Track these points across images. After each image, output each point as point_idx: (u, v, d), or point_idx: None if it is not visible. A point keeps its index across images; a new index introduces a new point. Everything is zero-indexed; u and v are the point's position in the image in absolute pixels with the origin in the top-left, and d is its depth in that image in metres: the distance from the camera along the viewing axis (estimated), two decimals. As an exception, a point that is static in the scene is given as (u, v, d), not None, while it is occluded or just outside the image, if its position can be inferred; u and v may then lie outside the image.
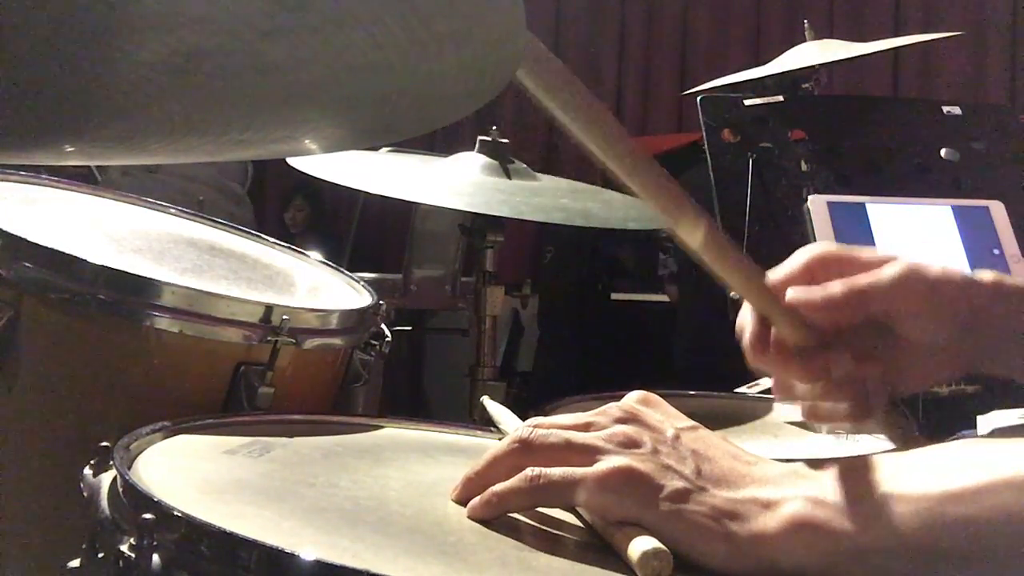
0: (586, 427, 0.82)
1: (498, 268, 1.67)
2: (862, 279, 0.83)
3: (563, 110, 0.70)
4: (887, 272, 0.83)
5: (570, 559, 0.79)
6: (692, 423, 0.83)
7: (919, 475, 0.69)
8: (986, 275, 0.85)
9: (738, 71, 2.47)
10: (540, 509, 0.87)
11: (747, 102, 1.93)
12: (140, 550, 0.70)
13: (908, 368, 0.85)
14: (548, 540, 0.82)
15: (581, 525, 0.87)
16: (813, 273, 0.86)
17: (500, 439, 1.21)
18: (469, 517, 0.82)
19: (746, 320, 0.86)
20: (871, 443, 1.51)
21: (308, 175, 1.49)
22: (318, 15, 0.57)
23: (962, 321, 0.83)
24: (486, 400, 1.19)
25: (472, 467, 0.85)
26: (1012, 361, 0.85)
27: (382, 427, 1.19)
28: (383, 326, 1.43)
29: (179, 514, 0.72)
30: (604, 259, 4.20)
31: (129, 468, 0.85)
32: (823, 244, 0.88)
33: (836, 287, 0.82)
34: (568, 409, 1.64)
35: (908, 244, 1.79)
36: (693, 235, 0.81)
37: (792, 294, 0.83)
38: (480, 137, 1.64)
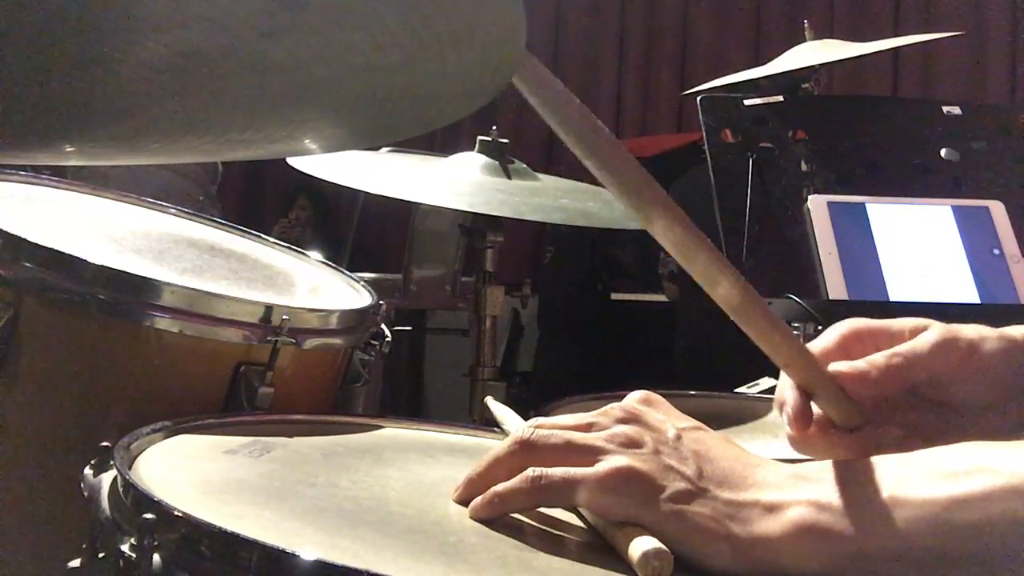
0: (588, 427, 0.82)
1: (498, 268, 1.67)
2: (902, 348, 0.81)
3: (561, 127, 0.69)
4: (925, 338, 0.81)
5: (570, 559, 0.79)
6: (694, 423, 0.82)
7: (924, 480, 0.68)
8: (1018, 331, 0.83)
9: (738, 71, 2.47)
10: (541, 509, 0.87)
11: (747, 102, 1.93)
12: (140, 550, 0.70)
13: (956, 437, 0.80)
14: (548, 540, 0.82)
15: (582, 525, 0.87)
16: (847, 348, 0.84)
17: (502, 439, 1.21)
18: (471, 517, 0.82)
19: (786, 394, 0.82)
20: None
21: (309, 175, 1.49)
22: (318, 15, 0.57)
23: (1005, 381, 0.81)
24: (489, 400, 1.19)
25: (474, 467, 0.84)
26: None
27: (382, 427, 1.19)
28: (383, 326, 1.43)
29: (179, 514, 0.72)
30: (604, 259, 4.20)
31: (129, 468, 0.85)
32: (853, 321, 0.86)
33: (878, 358, 0.80)
34: (568, 409, 1.64)
35: (908, 244, 1.79)
36: (725, 294, 0.79)
37: (835, 367, 0.81)
38: (480, 137, 1.64)
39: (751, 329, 0.79)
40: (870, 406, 0.81)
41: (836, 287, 1.72)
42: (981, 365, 0.80)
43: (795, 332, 1.98)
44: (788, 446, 1.59)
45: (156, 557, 0.70)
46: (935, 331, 0.82)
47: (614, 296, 4.11)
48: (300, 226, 5.21)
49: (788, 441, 0.82)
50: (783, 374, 0.83)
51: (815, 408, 0.82)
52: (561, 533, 0.85)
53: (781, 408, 0.83)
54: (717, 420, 1.68)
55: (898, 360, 0.80)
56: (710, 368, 2.88)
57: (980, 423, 0.81)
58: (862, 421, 0.81)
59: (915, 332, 0.83)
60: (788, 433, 0.82)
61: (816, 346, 0.85)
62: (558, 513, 0.90)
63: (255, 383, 1.21)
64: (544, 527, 0.85)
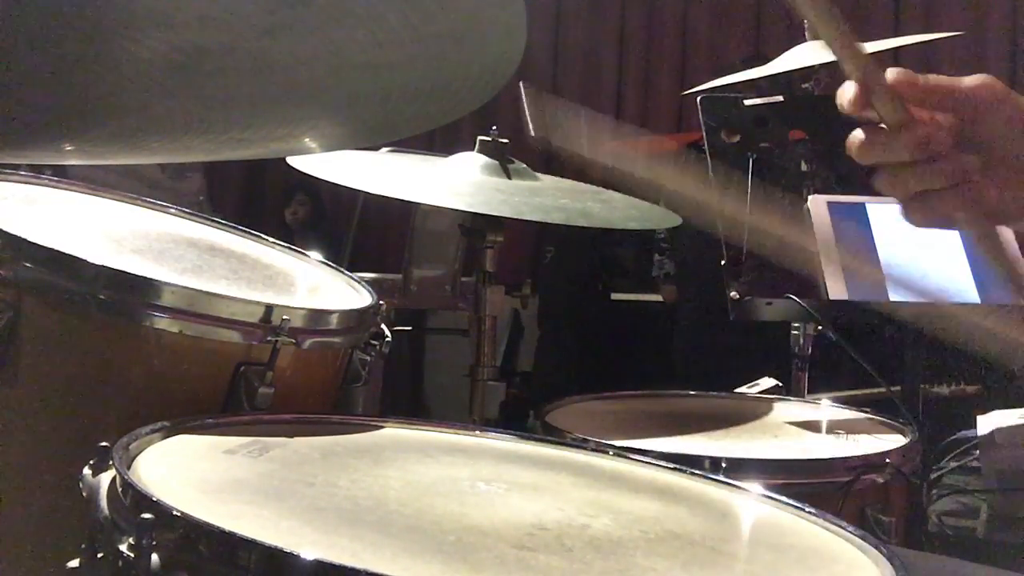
0: None
1: (498, 268, 1.67)
2: (947, 79, 0.93)
3: None
4: (970, 78, 0.94)
5: (569, 559, 0.79)
6: None
7: None
8: None
9: (738, 71, 2.46)
10: (541, 509, 0.87)
11: (747, 102, 1.93)
12: (139, 550, 0.70)
13: (1003, 163, 0.91)
14: (547, 540, 0.82)
15: (582, 525, 0.87)
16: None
17: (501, 439, 1.21)
18: None
19: (848, 93, 0.92)
20: (871, 443, 1.51)
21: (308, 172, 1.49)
22: (319, 13, 0.57)
23: None
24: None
25: None
26: None
27: (382, 427, 1.19)
28: (383, 326, 1.43)
29: (178, 514, 0.72)
30: (604, 259, 4.20)
31: (128, 468, 0.85)
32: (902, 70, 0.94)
33: (929, 76, 0.93)
34: (568, 409, 1.64)
35: (908, 244, 1.78)
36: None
37: (893, 73, 0.91)
38: (480, 137, 1.64)
39: (823, 24, 0.92)
40: (918, 112, 0.90)
41: (836, 287, 1.72)
42: (1014, 111, 0.92)
43: (794, 332, 1.98)
44: (788, 446, 1.60)
45: (155, 557, 0.70)
46: (979, 76, 0.94)
47: (614, 296, 4.11)
48: (299, 222, 5.20)
49: (848, 146, 0.93)
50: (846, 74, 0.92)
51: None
52: (560, 533, 0.85)
53: (844, 105, 0.93)
54: (717, 420, 1.69)
55: (945, 81, 0.92)
56: (710, 368, 2.88)
57: (1010, 169, 0.91)
58: (913, 121, 0.90)
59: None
60: (851, 137, 0.92)
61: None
62: (557, 513, 0.90)
63: (255, 383, 1.21)
64: (543, 527, 0.85)
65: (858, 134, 0.92)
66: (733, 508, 1.06)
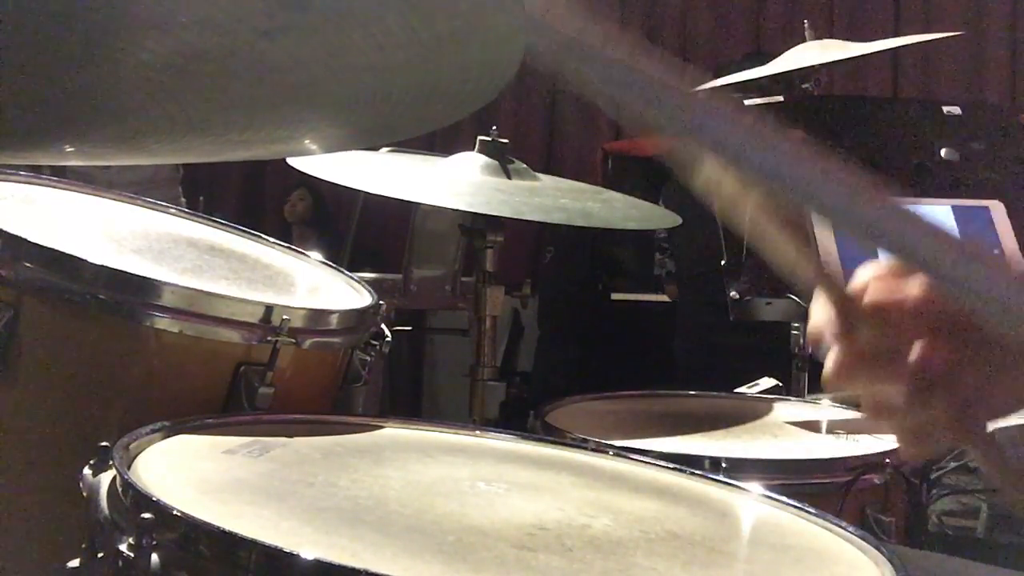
0: None
1: (498, 268, 1.67)
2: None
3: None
4: None
5: (569, 559, 0.79)
6: None
7: None
8: None
9: (738, 69, 2.46)
10: (541, 509, 0.87)
11: (747, 102, 1.93)
12: (139, 549, 0.70)
13: (1008, 375, 0.78)
14: (547, 540, 0.82)
15: (582, 525, 0.87)
16: (879, 285, 0.80)
17: (501, 440, 1.21)
18: None
19: (823, 326, 0.79)
20: (872, 443, 1.51)
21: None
22: (318, 15, 0.57)
23: None
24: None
25: None
26: None
27: (382, 427, 1.19)
28: (383, 326, 1.43)
29: (178, 514, 0.72)
30: (604, 259, 4.19)
31: (128, 468, 0.86)
32: (883, 262, 0.81)
33: (915, 283, 0.77)
34: (568, 409, 1.64)
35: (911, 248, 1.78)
36: (767, 209, 0.77)
37: (875, 293, 0.78)
38: (480, 137, 1.64)
39: (794, 247, 0.77)
40: (909, 335, 0.77)
41: (836, 287, 1.72)
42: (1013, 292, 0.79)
43: (794, 332, 1.98)
44: (788, 446, 1.59)
45: (154, 556, 0.70)
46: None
47: (614, 296, 4.11)
48: (296, 216, 5.18)
49: (827, 379, 0.78)
50: (818, 303, 0.80)
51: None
52: (560, 533, 0.85)
53: (818, 341, 0.79)
54: (717, 420, 1.69)
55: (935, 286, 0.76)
56: (710, 368, 2.88)
57: (1020, 359, 0.78)
58: (902, 347, 0.77)
59: None
60: (829, 367, 0.78)
61: (852, 285, 0.81)
62: (557, 513, 0.90)
63: (255, 383, 1.21)
64: (543, 527, 0.85)
65: (836, 362, 0.77)
66: (733, 508, 1.06)
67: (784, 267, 0.78)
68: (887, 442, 1.51)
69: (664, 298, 3.79)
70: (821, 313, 0.79)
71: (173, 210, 1.63)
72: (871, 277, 0.79)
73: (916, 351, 0.76)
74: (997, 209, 1.77)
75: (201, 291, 1.21)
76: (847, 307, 0.77)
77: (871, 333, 0.77)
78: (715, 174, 0.77)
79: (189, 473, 0.90)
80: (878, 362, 0.76)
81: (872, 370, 0.77)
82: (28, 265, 1.16)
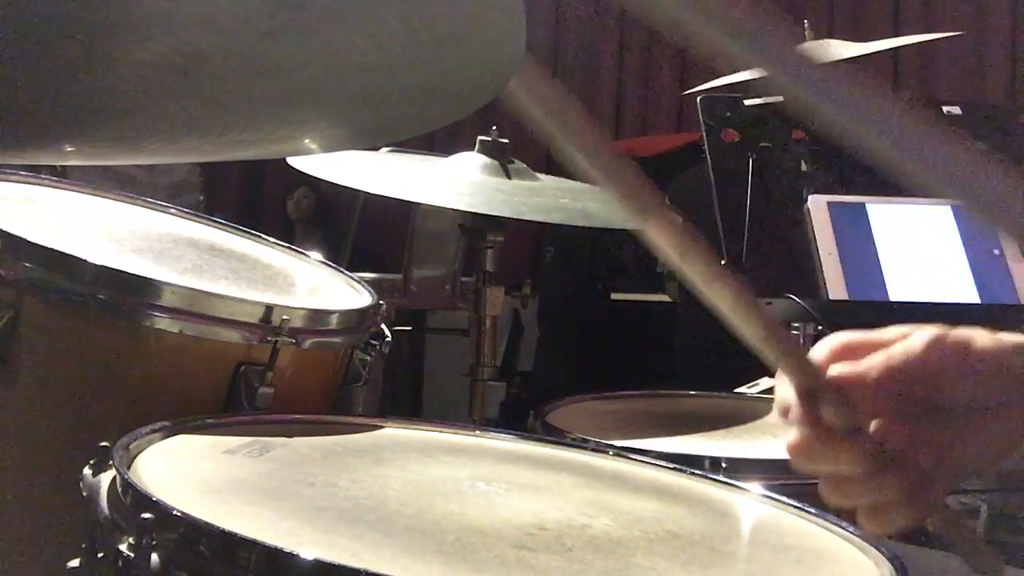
0: None
1: (498, 268, 1.67)
2: (897, 348, 0.79)
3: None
4: (918, 337, 0.80)
5: (569, 559, 0.79)
6: None
7: None
8: (1011, 336, 0.83)
9: (738, 71, 2.46)
10: (541, 509, 0.87)
11: (747, 102, 1.93)
12: (139, 549, 0.70)
13: (965, 445, 0.80)
14: (547, 540, 0.82)
15: (582, 525, 0.87)
16: (840, 359, 0.82)
17: (501, 440, 1.21)
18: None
19: (790, 399, 0.80)
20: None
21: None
22: (318, 15, 0.57)
23: (999, 380, 0.79)
24: None
25: None
26: None
27: (382, 427, 1.19)
28: (383, 326, 1.43)
29: (178, 514, 0.72)
30: (604, 259, 4.19)
31: (128, 468, 0.86)
32: (842, 334, 0.83)
33: (876, 358, 0.79)
34: (568, 409, 1.64)
35: (908, 244, 1.78)
36: (723, 297, 0.78)
37: (837, 370, 0.79)
38: (480, 137, 1.64)
39: (750, 332, 0.79)
40: (870, 412, 0.79)
41: (836, 287, 1.72)
42: (974, 362, 0.79)
43: (795, 332, 1.98)
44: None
45: (154, 556, 0.70)
46: (926, 332, 0.81)
47: (614, 296, 4.10)
48: (301, 213, 5.17)
49: (789, 454, 0.80)
50: (781, 380, 0.81)
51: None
52: (559, 533, 0.85)
53: (786, 414, 0.80)
54: (717, 420, 1.69)
55: (895, 359, 0.79)
56: (710, 368, 2.87)
57: (978, 427, 0.80)
58: (863, 424, 0.79)
59: (904, 337, 0.81)
60: (791, 444, 0.79)
61: (813, 358, 0.83)
62: (556, 513, 0.90)
63: (255, 383, 1.21)
64: (543, 527, 0.85)
65: (796, 440, 0.78)
66: (733, 508, 1.06)
67: (753, 344, 0.79)
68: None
69: (665, 298, 3.79)
70: (785, 391, 0.80)
71: (173, 210, 1.63)
72: (831, 351, 0.81)
73: (875, 430, 0.78)
74: (997, 209, 1.77)
75: (201, 291, 1.21)
76: (809, 384, 0.79)
77: (831, 411, 0.78)
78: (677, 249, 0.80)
79: (189, 473, 0.90)
80: (838, 440, 0.77)
81: (832, 449, 0.78)
82: (28, 265, 1.16)
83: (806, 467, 0.80)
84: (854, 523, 0.99)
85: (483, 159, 1.62)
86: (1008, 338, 0.81)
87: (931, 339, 0.79)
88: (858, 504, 0.81)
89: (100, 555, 0.75)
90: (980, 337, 0.80)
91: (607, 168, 0.71)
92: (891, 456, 0.77)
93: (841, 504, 0.82)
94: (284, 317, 1.22)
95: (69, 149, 0.73)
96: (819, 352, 0.82)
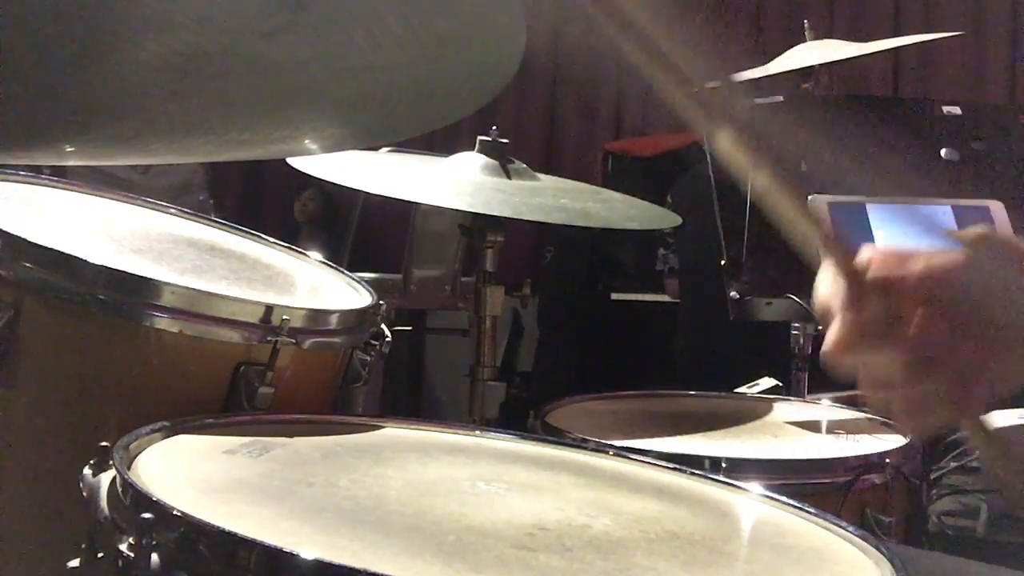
0: None
1: (498, 268, 1.67)
2: (940, 253, 0.79)
3: None
4: (965, 240, 0.80)
5: (569, 559, 0.79)
6: None
7: None
8: None
9: (738, 71, 2.46)
10: (541, 509, 0.87)
11: (747, 102, 1.93)
12: (139, 549, 0.70)
13: (1004, 353, 0.78)
14: (547, 540, 0.82)
15: (582, 525, 0.87)
16: (885, 264, 0.80)
17: (500, 440, 1.21)
18: None
19: (829, 298, 0.79)
20: (872, 443, 1.51)
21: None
22: (318, 16, 0.57)
23: None
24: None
25: None
26: None
27: (382, 427, 1.19)
28: (383, 326, 1.43)
29: (178, 513, 0.72)
30: (604, 259, 4.19)
31: (128, 468, 0.86)
32: (879, 245, 0.82)
33: (920, 256, 0.78)
34: (568, 409, 1.64)
35: (908, 244, 1.78)
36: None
37: (878, 268, 0.78)
38: (480, 137, 1.64)
39: (804, 218, 0.78)
40: (912, 308, 0.77)
41: (836, 287, 1.72)
42: (1017, 263, 0.79)
43: (794, 332, 1.98)
44: (788, 446, 1.59)
45: (154, 556, 0.70)
46: (975, 232, 0.81)
47: (614, 296, 4.11)
48: (308, 216, 5.18)
49: (829, 351, 0.78)
50: (823, 277, 0.80)
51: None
52: (559, 533, 0.85)
53: (826, 314, 0.79)
54: (717, 420, 1.69)
55: (938, 257, 0.78)
56: (710, 368, 2.88)
57: (1017, 337, 0.78)
58: (904, 319, 0.77)
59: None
60: (830, 339, 0.78)
61: (857, 260, 0.82)
62: (556, 513, 0.90)
63: (255, 383, 1.21)
64: (543, 527, 0.85)
65: (838, 331, 0.77)
66: (733, 508, 1.06)
67: (794, 238, 0.78)
68: (887, 442, 1.51)
69: (665, 298, 3.79)
70: (827, 284, 0.79)
71: (173, 210, 1.63)
72: (875, 253, 0.80)
73: (916, 322, 0.76)
74: (997, 209, 1.77)
75: (201, 291, 1.21)
76: (853, 277, 0.78)
77: (874, 304, 0.77)
78: (732, 144, 0.78)
79: (189, 473, 0.90)
80: (879, 333, 0.76)
81: (873, 341, 0.77)
82: (28, 265, 1.16)
83: (846, 361, 0.79)
84: (854, 524, 1.00)
85: (483, 159, 1.62)
86: None
87: (976, 237, 0.79)
88: (896, 403, 0.79)
89: (100, 555, 0.75)
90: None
91: None
92: (930, 350, 0.75)
93: (879, 401, 0.81)
94: (284, 317, 1.22)
95: (69, 149, 0.73)
96: (865, 253, 0.81)
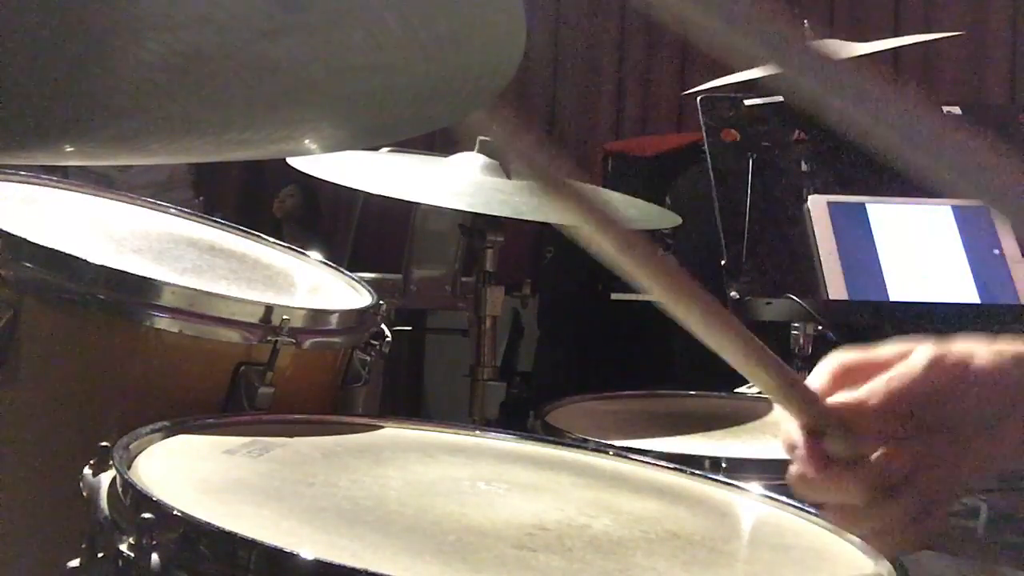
0: None
1: (498, 268, 1.67)
2: (896, 372, 0.79)
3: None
4: (917, 358, 0.79)
5: (569, 559, 0.79)
6: None
7: None
8: (1010, 345, 0.82)
9: (738, 71, 2.46)
10: (541, 509, 0.87)
11: (747, 102, 1.93)
12: (139, 549, 0.70)
13: (969, 462, 0.80)
14: (547, 540, 0.82)
15: (582, 525, 0.87)
16: (840, 384, 0.82)
17: (500, 440, 1.21)
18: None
19: (794, 436, 0.80)
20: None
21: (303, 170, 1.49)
22: (318, 15, 0.57)
23: (999, 396, 0.79)
24: None
25: None
26: None
27: (382, 427, 1.19)
28: (383, 326, 1.43)
29: (178, 513, 0.72)
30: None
31: (128, 468, 0.86)
32: (840, 355, 0.83)
33: (877, 384, 0.78)
34: (568, 409, 1.64)
35: (908, 244, 1.78)
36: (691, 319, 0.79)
37: (836, 399, 0.79)
38: (480, 137, 1.64)
39: (748, 369, 0.79)
40: (873, 438, 0.78)
41: (836, 287, 1.72)
42: (974, 380, 0.79)
43: (794, 332, 1.98)
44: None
45: (155, 556, 0.70)
46: (926, 350, 0.80)
47: (614, 296, 4.10)
48: (285, 211, 5.15)
49: (792, 485, 0.80)
50: (784, 416, 0.81)
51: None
52: (559, 533, 0.85)
53: (792, 450, 0.80)
54: (717, 420, 1.69)
55: (895, 383, 0.78)
56: (710, 368, 2.87)
57: (981, 442, 0.79)
58: (865, 454, 0.78)
59: (903, 356, 0.80)
60: (793, 476, 0.79)
61: (813, 383, 0.83)
62: (556, 513, 0.90)
63: (255, 383, 1.21)
64: (543, 527, 0.85)
65: (798, 471, 0.78)
66: (733, 508, 1.06)
67: (755, 384, 0.80)
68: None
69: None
70: (789, 428, 0.80)
71: (173, 210, 1.63)
72: (831, 375, 0.81)
73: (876, 458, 0.77)
74: (997, 209, 1.77)
75: (201, 291, 1.21)
76: (813, 417, 0.79)
77: (835, 444, 0.78)
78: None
79: (189, 473, 0.90)
80: (841, 472, 0.77)
81: (835, 481, 0.78)
82: (28, 265, 1.16)
83: (809, 498, 0.81)
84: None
85: (483, 159, 1.62)
86: (1008, 348, 0.80)
87: (931, 360, 0.79)
88: (864, 531, 0.82)
89: (100, 555, 0.75)
90: (979, 352, 0.80)
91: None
92: (893, 485, 0.76)
93: (848, 530, 0.83)
94: (284, 317, 1.22)
95: (69, 149, 0.73)
96: (818, 378, 0.82)
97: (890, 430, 0.78)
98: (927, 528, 0.79)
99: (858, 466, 0.77)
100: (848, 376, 0.81)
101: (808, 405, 0.79)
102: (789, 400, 0.80)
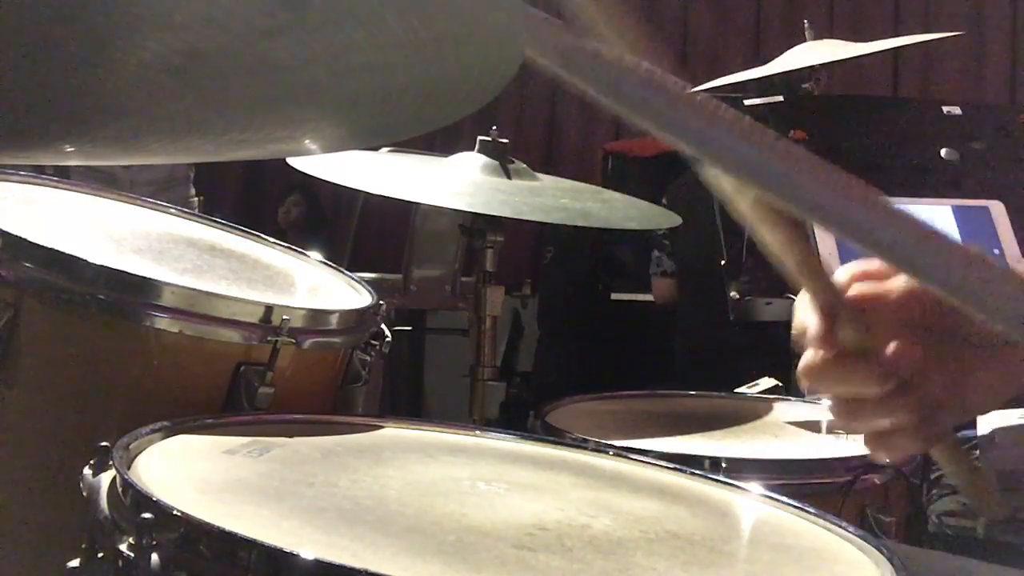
0: None
1: (498, 268, 1.67)
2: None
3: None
4: None
5: (569, 559, 0.79)
6: None
7: None
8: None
9: (738, 71, 2.46)
10: (541, 509, 0.87)
11: (747, 102, 1.93)
12: (139, 549, 0.70)
13: (977, 377, 0.80)
14: (547, 540, 0.82)
15: (582, 525, 0.87)
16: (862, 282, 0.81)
17: (500, 441, 1.21)
18: None
19: (808, 318, 0.79)
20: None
21: (306, 174, 1.49)
22: (318, 15, 0.57)
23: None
24: None
25: None
26: None
27: (382, 427, 1.19)
28: (383, 326, 1.43)
29: (178, 513, 0.72)
30: (604, 259, 4.19)
31: (128, 468, 0.86)
32: (863, 261, 0.82)
33: (897, 279, 0.78)
34: (568, 409, 1.64)
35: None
36: (755, 199, 0.76)
37: (858, 289, 0.78)
38: (480, 137, 1.64)
39: (776, 245, 0.75)
40: (886, 333, 0.77)
41: (836, 287, 1.72)
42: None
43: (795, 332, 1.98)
44: (788, 446, 1.59)
45: (154, 556, 0.70)
46: None
47: (614, 296, 4.11)
48: (291, 222, 5.16)
49: (802, 374, 0.79)
50: (801, 300, 0.80)
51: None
52: (559, 533, 0.85)
53: (803, 336, 0.79)
54: (717, 420, 1.69)
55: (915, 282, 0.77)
56: (710, 368, 2.88)
57: (990, 360, 0.79)
58: (878, 347, 0.77)
59: None
60: (804, 364, 0.78)
61: (835, 280, 0.81)
62: (556, 513, 0.90)
63: (255, 383, 1.21)
64: (543, 527, 0.85)
65: (810, 360, 0.77)
66: (733, 508, 1.06)
67: (775, 260, 0.78)
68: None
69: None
70: (805, 310, 0.79)
71: (173, 210, 1.63)
72: (854, 273, 0.80)
73: (891, 348, 0.76)
74: (997, 209, 1.77)
75: (201, 291, 1.21)
76: (830, 302, 0.78)
77: (850, 332, 0.77)
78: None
79: (189, 473, 0.90)
80: (853, 362, 0.77)
81: (846, 370, 0.77)
82: (28, 265, 1.16)
83: (818, 387, 0.79)
84: (854, 524, 0.99)
85: (483, 159, 1.62)
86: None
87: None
88: (866, 428, 0.80)
89: (100, 555, 0.75)
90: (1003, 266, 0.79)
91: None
92: (903, 380, 0.76)
93: (849, 428, 0.81)
94: (284, 317, 1.22)
95: (69, 149, 0.73)
96: (842, 274, 0.81)
97: (905, 326, 0.77)
98: (930, 433, 0.78)
99: (869, 362, 0.76)
100: (870, 277, 0.80)
101: (828, 289, 0.78)
102: (811, 279, 0.78)
